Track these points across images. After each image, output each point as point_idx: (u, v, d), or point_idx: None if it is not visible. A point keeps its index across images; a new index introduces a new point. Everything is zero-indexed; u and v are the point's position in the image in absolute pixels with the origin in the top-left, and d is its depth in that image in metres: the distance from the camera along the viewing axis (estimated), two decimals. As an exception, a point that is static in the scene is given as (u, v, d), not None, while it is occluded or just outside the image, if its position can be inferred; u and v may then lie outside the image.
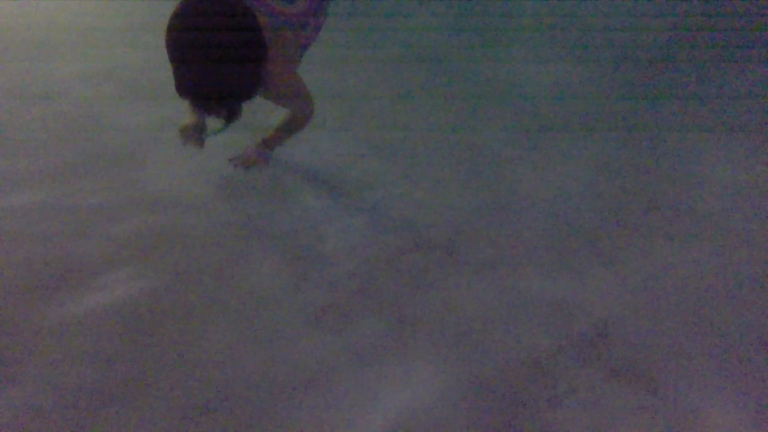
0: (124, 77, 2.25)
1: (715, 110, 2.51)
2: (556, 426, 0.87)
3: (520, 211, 1.57)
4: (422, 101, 2.48)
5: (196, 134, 1.41)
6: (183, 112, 1.98)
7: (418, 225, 1.44)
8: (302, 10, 1.27)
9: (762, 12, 2.84)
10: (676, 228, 1.52)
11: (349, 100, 2.36)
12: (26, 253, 1.16)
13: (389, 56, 3.23)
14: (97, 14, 3.18)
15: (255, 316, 1.06)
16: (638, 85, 2.86)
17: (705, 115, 2.47)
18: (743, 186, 1.79)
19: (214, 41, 0.95)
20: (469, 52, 3.45)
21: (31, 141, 1.64)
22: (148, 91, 2.13)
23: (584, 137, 2.21)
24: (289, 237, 1.32)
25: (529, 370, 0.99)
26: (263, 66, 1.14)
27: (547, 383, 0.96)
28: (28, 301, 1.03)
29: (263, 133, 1.53)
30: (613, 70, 3.02)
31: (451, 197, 1.61)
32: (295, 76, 1.27)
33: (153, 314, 1.03)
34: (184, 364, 0.93)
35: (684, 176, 1.87)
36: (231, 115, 1.12)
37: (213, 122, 1.92)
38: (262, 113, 2.09)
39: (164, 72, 2.40)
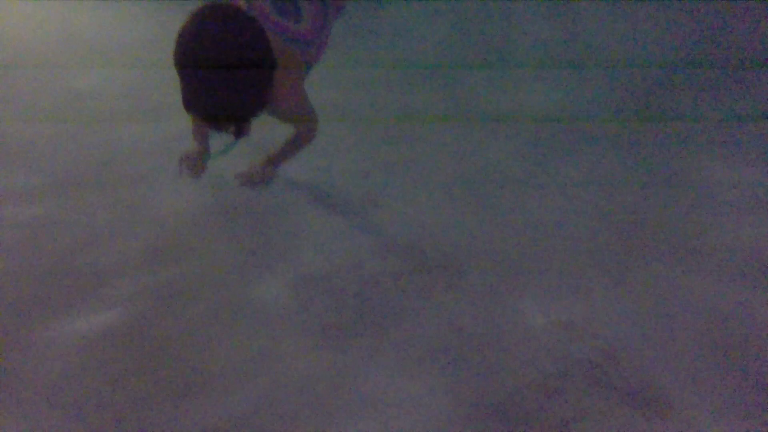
0: (134, 93, 2.29)
1: (718, 129, 2.53)
2: (565, 452, 0.86)
3: (526, 232, 1.57)
4: (427, 121, 2.51)
5: (197, 163, 1.42)
6: (189, 132, 2.01)
7: (424, 244, 1.43)
8: (308, 28, 1.29)
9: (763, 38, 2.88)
10: (684, 248, 1.52)
11: (354, 119, 2.39)
12: (30, 266, 1.17)
13: (394, 76, 3.27)
14: (109, 28, 3.26)
15: (260, 334, 1.05)
16: (641, 104, 2.89)
17: (710, 135, 2.48)
18: (751, 204, 1.78)
19: (223, 56, 0.95)
20: (473, 71, 3.50)
21: (38, 155, 1.66)
22: (157, 108, 2.16)
23: (589, 157, 2.22)
24: (294, 255, 1.33)
25: (537, 393, 0.97)
26: (271, 82, 1.14)
27: (555, 407, 0.94)
28: (32, 316, 1.03)
29: (267, 151, 1.54)
30: (616, 90, 3.05)
31: (457, 217, 1.61)
32: (301, 93, 1.28)
33: (157, 332, 1.03)
34: (189, 383, 0.92)
35: (690, 195, 1.87)
36: (240, 131, 1.12)
37: (216, 145, 1.94)
38: (261, 133, 2.12)
39: (172, 90, 2.44)
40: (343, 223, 1.50)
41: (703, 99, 2.84)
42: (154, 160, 1.73)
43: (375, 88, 2.97)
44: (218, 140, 1.79)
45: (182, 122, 2.05)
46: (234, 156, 1.82)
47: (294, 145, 1.47)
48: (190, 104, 1.03)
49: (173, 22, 3.83)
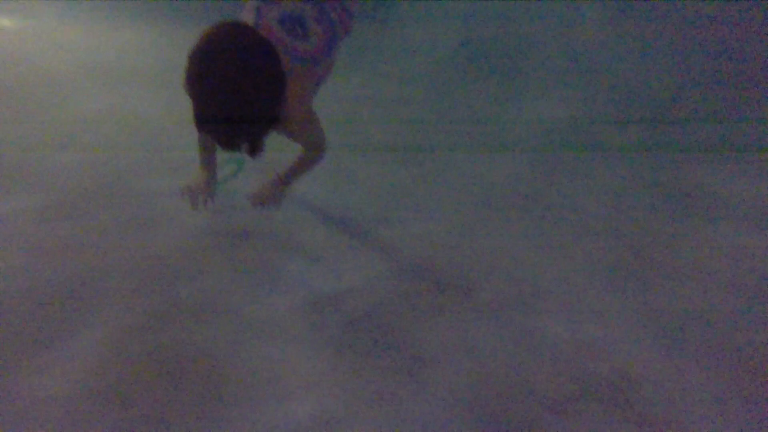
0: (148, 116, 2.34)
1: (725, 143, 2.52)
2: (586, 477, 0.84)
3: (539, 250, 1.56)
4: (437, 139, 2.53)
5: (202, 194, 1.44)
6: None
7: (435, 263, 1.43)
8: (315, 47, 1.29)
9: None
10: (698, 266, 1.50)
11: (365, 138, 2.42)
12: (42, 285, 1.18)
13: (402, 94, 3.32)
14: (127, 52, 3.34)
15: (272, 356, 1.05)
16: (649, 120, 2.89)
17: (717, 148, 2.48)
18: (761, 219, 1.77)
19: (235, 73, 0.95)
20: (480, 88, 3.53)
21: (50, 175, 1.69)
22: (169, 131, 2.20)
23: (598, 173, 2.22)
24: (305, 275, 1.33)
25: (553, 415, 0.96)
26: (283, 97, 1.13)
27: (573, 429, 0.93)
28: (40, 335, 1.04)
29: (277, 171, 1.56)
30: (623, 106, 3.06)
31: (468, 235, 1.61)
32: (310, 111, 1.29)
33: (169, 352, 1.03)
34: (202, 403, 0.91)
35: (700, 210, 1.86)
36: (254, 149, 1.11)
37: (221, 173, 1.96)
38: (267, 156, 2.14)
39: (186, 112, 2.49)
40: (354, 242, 1.50)
41: (711, 114, 2.85)
42: (166, 180, 1.75)
43: (383, 106, 3.00)
44: (224, 168, 1.81)
45: (194, 149, 2.08)
46: (242, 178, 1.84)
47: (303, 164, 1.47)
48: (203, 122, 1.01)
49: (185, 43, 3.92)
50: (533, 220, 1.75)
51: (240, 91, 0.96)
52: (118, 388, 0.94)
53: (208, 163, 1.49)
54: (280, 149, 2.14)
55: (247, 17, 1.28)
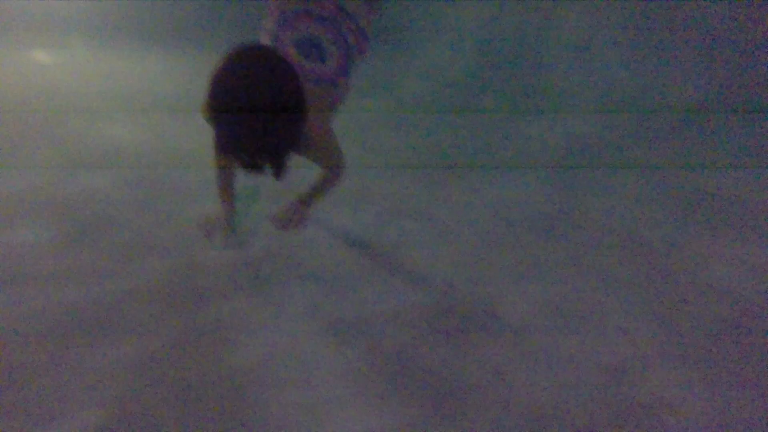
0: (171, 142, 2.41)
1: (758, 150, 2.45)
2: None
3: (564, 269, 1.53)
4: (456, 159, 2.53)
5: (222, 227, 1.42)
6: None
7: (457, 285, 1.42)
8: (332, 70, 1.31)
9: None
10: (729, 283, 1.45)
11: (384, 159, 2.43)
12: (55, 311, 1.20)
13: (418, 115, 3.34)
14: (147, 80, 3.48)
15: (296, 383, 1.04)
16: (670, 134, 2.84)
17: (748, 161, 2.41)
18: (800, 239, 1.69)
19: (258, 94, 0.95)
20: (499, 108, 3.54)
21: (73, 200, 1.75)
22: (191, 155, 2.26)
23: (623, 190, 2.18)
24: (328, 299, 1.33)
25: (588, 444, 0.92)
26: (305, 117, 1.12)
27: (609, 460, 0.89)
28: (62, 365, 1.05)
29: (298, 192, 1.57)
30: (643, 130, 3.02)
31: (492, 256, 1.59)
32: (330, 132, 1.30)
33: (193, 379, 1.03)
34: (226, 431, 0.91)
35: (732, 226, 1.80)
36: (279, 171, 1.11)
37: (240, 206, 2.00)
38: (280, 184, 2.16)
39: (206, 138, 2.55)
40: (376, 265, 1.50)
41: (736, 126, 2.78)
42: (190, 205, 1.79)
43: (401, 127, 3.03)
44: (240, 199, 1.84)
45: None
46: (260, 207, 1.87)
47: (324, 185, 1.47)
48: (226, 145, 1.01)
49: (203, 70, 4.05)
50: (557, 239, 1.72)
51: (265, 112, 0.97)
52: (145, 414, 0.94)
53: (227, 195, 1.49)
54: (295, 170, 2.17)
55: (265, 42, 1.32)
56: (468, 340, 1.19)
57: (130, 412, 0.94)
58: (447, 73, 4.20)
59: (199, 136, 2.56)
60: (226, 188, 1.48)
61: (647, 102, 3.15)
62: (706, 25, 3.04)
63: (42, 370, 1.02)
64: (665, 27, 3.23)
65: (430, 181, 2.21)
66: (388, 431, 0.93)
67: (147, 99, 3.19)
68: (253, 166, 1.07)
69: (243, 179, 2.01)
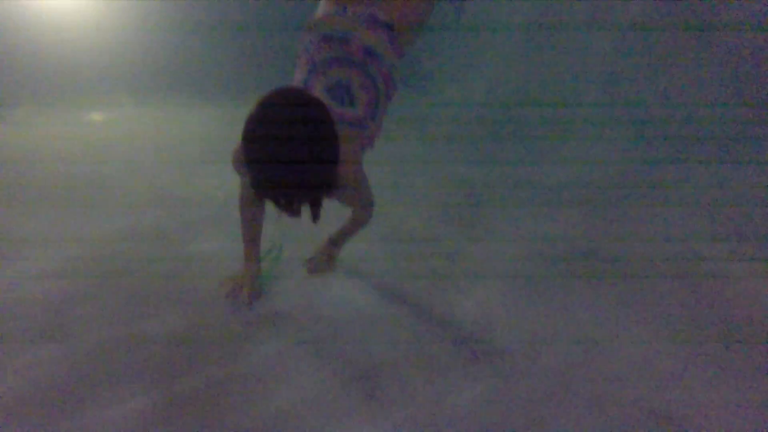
0: (204, 191, 2.52)
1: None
2: None
3: (602, 308, 1.47)
4: (485, 196, 2.52)
5: (248, 290, 1.45)
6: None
7: (494, 328, 1.38)
8: (361, 113, 1.34)
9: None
10: (790, 322, 1.35)
11: (414, 200, 2.46)
12: (74, 355, 1.24)
13: (442, 153, 3.38)
14: (190, 132, 3.69)
15: (324, 427, 1.03)
16: (706, 158, 2.74)
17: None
18: None
19: (296, 136, 0.96)
20: (524, 142, 3.53)
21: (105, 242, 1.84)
22: (227, 206, 2.36)
23: (660, 219, 2.10)
24: (358, 345, 1.32)
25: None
26: (338, 158, 1.12)
27: None
28: (78, 412, 1.08)
29: (330, 236, 1.61)
30: (677, 147, 2.94)
31: (527, 297, 1.55)
32: (361, 172, 1.31)
33: (222, 427, 1.04)
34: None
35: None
36: (316, 212, 1.12)
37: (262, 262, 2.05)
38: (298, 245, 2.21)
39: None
40: (407, 309, 1.49)
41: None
42: (216, 246, 1.85)
43: (428, 166, 3.06)
44: (264, 258, 1.86)
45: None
46: (284, 265, 1.90)
47: (354, 226, 1.50)
48: (266, 189, 1.01)
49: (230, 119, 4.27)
50: (593, 274, 1.67)
51: (302, 154, 0.97)
52: (185, 464, 0.95)
53: (252, 253, 1.51)
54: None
55: None
56: (505, 385, 1.15)
57: (169, 463, 0.95)
58: (474, 109, 4.26)
59: (229, 183, 2.67)
60: (251, 245, 1.50)
61: (680, 131, 3.08)
62: (737, 54, 2.99)
63: (57, 415, 1.05)
64: (695, 56, 3.18)
65: (461, 219, 2.20)
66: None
67: (187, 149, 3.38)
68: (290, 209, 1.08)
69: (269, 236, 2.07)
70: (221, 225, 2.09)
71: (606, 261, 1.77)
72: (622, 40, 3.54)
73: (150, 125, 4.02)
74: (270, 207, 1.32)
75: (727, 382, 1.14)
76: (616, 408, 1.07)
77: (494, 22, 4.45)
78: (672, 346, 1.28)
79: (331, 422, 1.05)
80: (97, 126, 3.92)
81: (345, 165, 1.25)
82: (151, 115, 4.36)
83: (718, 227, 2.05)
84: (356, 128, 1.34)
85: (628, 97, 3.44)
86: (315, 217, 1.15)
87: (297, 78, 1.40)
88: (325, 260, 1.59)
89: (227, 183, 2.69)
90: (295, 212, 1.10)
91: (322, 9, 1.49)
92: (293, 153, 0.97)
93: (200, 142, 3.57)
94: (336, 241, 1.57)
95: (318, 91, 1.32)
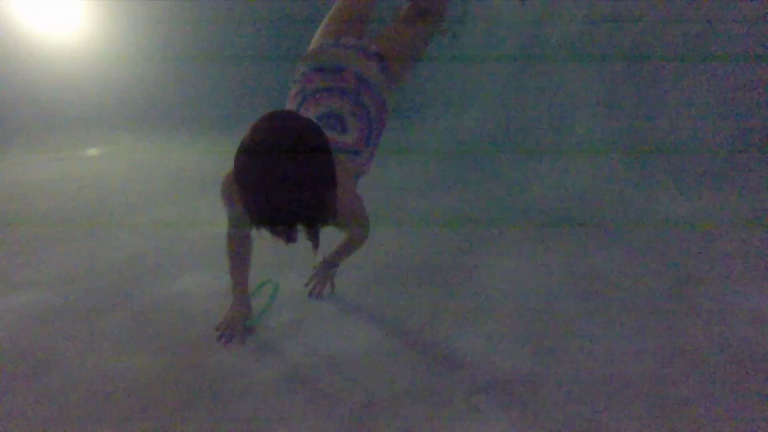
0: (202, 221, 2.48)
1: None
2: None
3: (612, 339, 1.41)
4: (486, 219, 2.49)
5: (240, 330, 1.42)
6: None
7: (496, 360, 1.32)
8: (354, 140, 1.32)
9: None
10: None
11: (410, 224, 2.42)
12: (88, 377, 1.17)
13: (439, 177, 3.36)
14: (184, 169, 3.69)
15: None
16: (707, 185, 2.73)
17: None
18: None
19: (293, 161, 0.92)
20: (520, 165, 3.53)
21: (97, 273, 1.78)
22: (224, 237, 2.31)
23: (668, 247, 2.06)
24: (359, 381, 1.25)
25: None
26: (336, 182, 1.07)
27: None
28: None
29: (325, 257, 1.57)
30: (680, 170, 2.93)
31: (528, 327, 1.49)
32: (357, 199, 1.28)
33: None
34: None
35: None
36: (315, 239, 1.08)
37: (255, 298, 2.00)
38: (296, 280, 2.16)
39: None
40: (405, 344, 1.43)
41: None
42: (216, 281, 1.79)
43: (427, 194, 3.04)
44: (258, 293, 1.81)
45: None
46: (278, 303, 1.85)
47: (350, 247, 1.50)
48: (263, 216, 0.96)
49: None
50: (602, 303, 1.61)
51: (299, 174, 0.92)
52: None
53: (242, 290, 1.48)
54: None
55: None
56: (507, 420, 1.07)
57: None
58: (468, 136, 4.28)
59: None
60: (239, 281, 1.47)
61: (676, 155, 3.08)
62: (729, 82, 3.03)
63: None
64: (688, 84, 3.23)
65: (455, 246, 2.16)
66: None
67: (182, 182, 3.36)
68: (288, 236, 1.03)
69: (258, 274, 2.02)
70: (214, 259, 2.04)
71: (610, 288, 1.71)
72: (614, 69, 3.60)
73: (148, 158, 4.03)
74: (256, 238, 1.28)
75: (742, 416, 1.07)
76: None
77: (488, 52, 4.55)
78: (682, 377, 1.21)
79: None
80: (91, 160, 3.92)
81: (340, 191, 1.22)
82: (148, 150, 4.38)
83: (721, 254, 2.00)
84: (349, 154, 1.32)
85: (621, 126, 3.46)
86: (314, 243, 1.10)
87: (289, 105, 1.39)
88: (323, 281, 1.63)
89: (219, 216, 2.66)
90: (291, 237, 1.04)
91: (315, 41, 1.51)
92: (290, 174, 0.92)
93: (194, 175, 3.56)
94: (332, 262, 1.58)
95: (310, 118, 1.30)
